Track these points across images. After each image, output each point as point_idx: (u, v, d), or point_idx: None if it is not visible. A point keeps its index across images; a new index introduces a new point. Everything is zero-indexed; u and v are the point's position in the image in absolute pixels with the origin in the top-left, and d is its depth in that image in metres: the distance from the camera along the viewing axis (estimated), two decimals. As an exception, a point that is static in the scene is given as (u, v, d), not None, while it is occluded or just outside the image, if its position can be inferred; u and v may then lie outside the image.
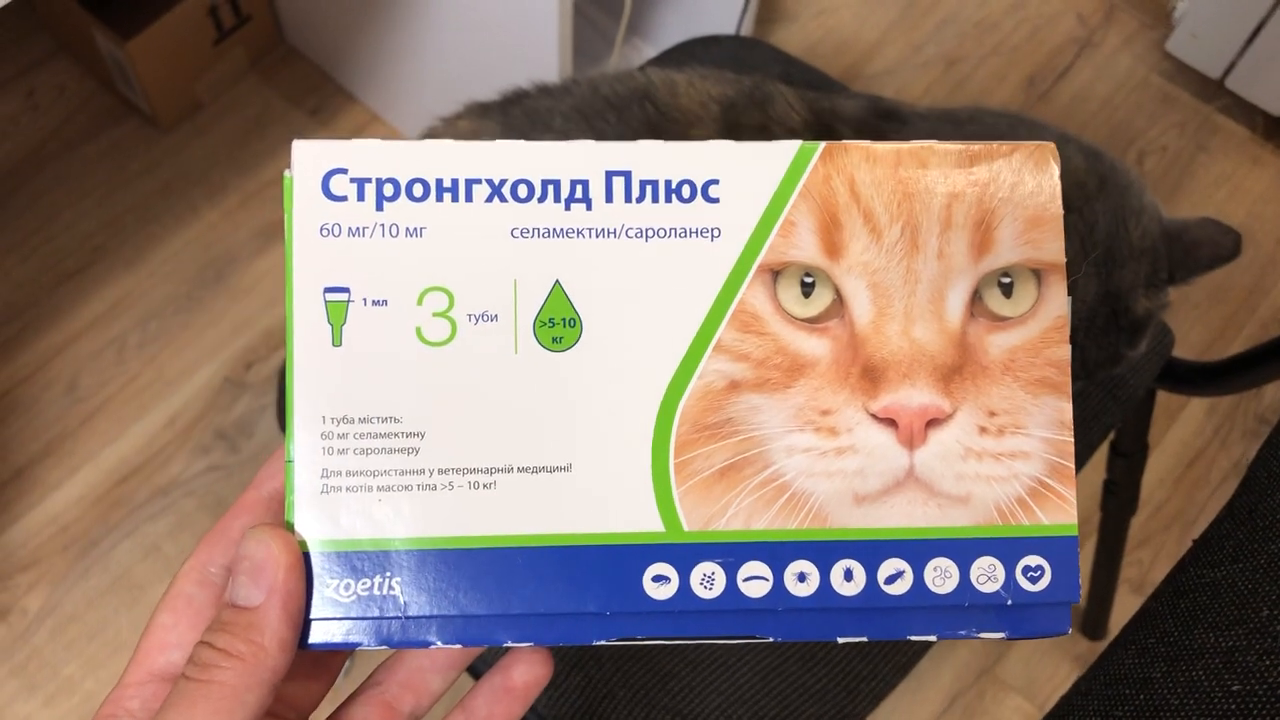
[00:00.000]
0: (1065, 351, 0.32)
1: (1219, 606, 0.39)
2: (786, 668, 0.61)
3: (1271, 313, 1.13)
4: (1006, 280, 0.32)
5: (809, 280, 0.32)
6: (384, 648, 0.31)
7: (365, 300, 0.31)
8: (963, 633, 0.32)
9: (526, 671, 0.33)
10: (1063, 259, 0.33)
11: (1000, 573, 0.32)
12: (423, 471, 0.31)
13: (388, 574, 0.31)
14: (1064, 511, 0.32)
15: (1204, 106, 1.30)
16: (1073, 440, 0.32)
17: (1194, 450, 1.20)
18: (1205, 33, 1.24)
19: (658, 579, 0.31)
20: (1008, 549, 0.32)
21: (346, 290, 0.32)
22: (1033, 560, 0.32)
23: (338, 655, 0.35)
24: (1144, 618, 0.43)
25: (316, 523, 0.31)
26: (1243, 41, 1.00)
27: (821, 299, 0.32)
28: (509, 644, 0.31)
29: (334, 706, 0.34)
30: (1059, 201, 0.33)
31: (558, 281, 0.32)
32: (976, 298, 0.32)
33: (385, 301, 0.32)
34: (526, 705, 0.34)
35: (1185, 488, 1.19)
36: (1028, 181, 0.33)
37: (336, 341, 0.31)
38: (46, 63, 1.40)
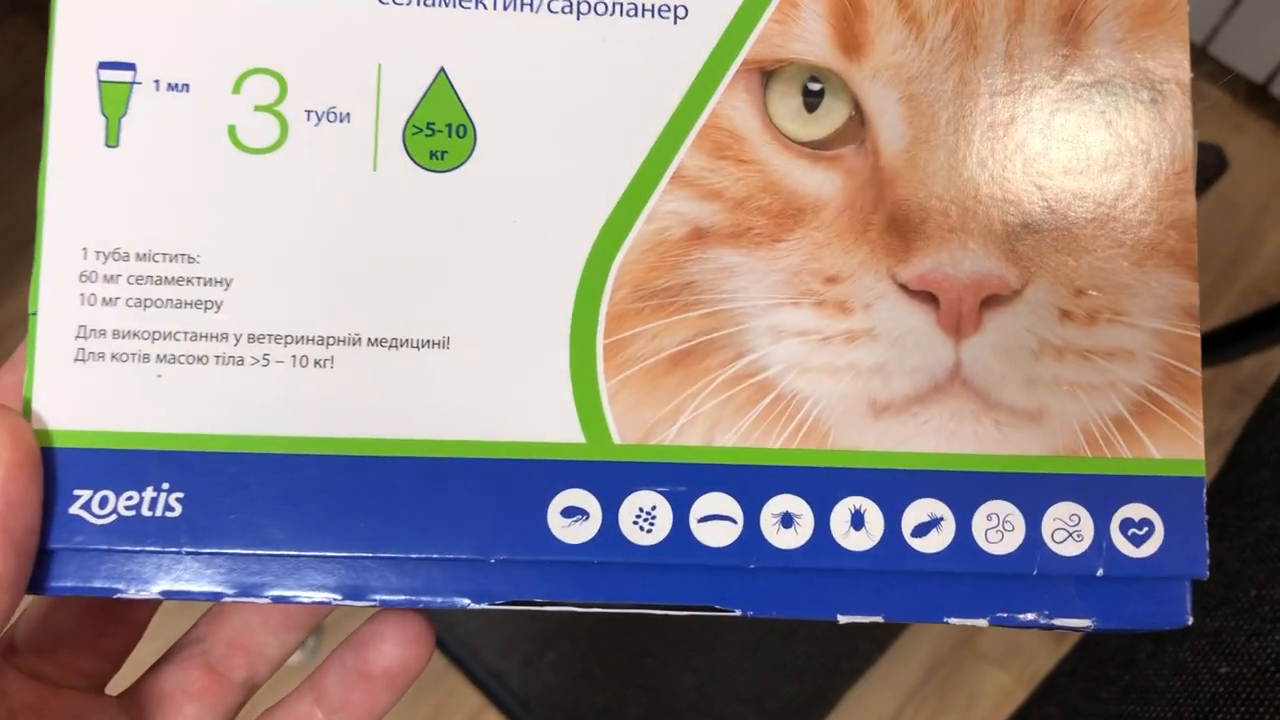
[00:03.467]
0: (1188, 205, 0.21)
1: (1206, 586, 0.35)
2: (766, 645, 0.56)
3: (1251, 282, 1.05)
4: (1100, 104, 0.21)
5: (816, 87, 0.21)
6: (155, 597, 0.20)
7: (157, 83, 0.21)
8: (1029, 618, 0.21)
9: (391, 653, 0.22)
10: (1187, 72, 0.22)
11: (1087, 527, 0.21)
12: (226, 337, 0.20)
13: (165, 486, 0.20)
14: (1185, 440, 0.21)
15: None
16: (1199, 335, 0.21)
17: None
18: (1188, -2, 1.14)
19: (570, 513, 0.20)
20: (1099, 492, 0.21)
21: (131, 67, 0.21)
22: (1136, 510, 0.21)
23: (141, 604, 0.24)
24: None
25: (65, 404, 0.20)
26: (1226, 7, 0.92)
27: (833, 115, 0.21)
28: (334, 603, 0.20)
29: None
30: (1182, -4, 0.22)
31: (443, 70, 0.21)
32: (1060, 123, 0.21)
33: (186, 86, 0.21)
34: (395, 694, 0.23)
35: (1163, 457, 1.08)
36: (1137, -31, 0.22)
37: (112, 141, 0.21)
38: (2, 21, 1.31)
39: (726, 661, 0.55)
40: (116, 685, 0.24)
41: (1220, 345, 0.70)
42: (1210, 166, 0.62)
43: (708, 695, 0.54)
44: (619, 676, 0.55)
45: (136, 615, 0.24)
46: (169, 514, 0.20)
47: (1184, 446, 0.21)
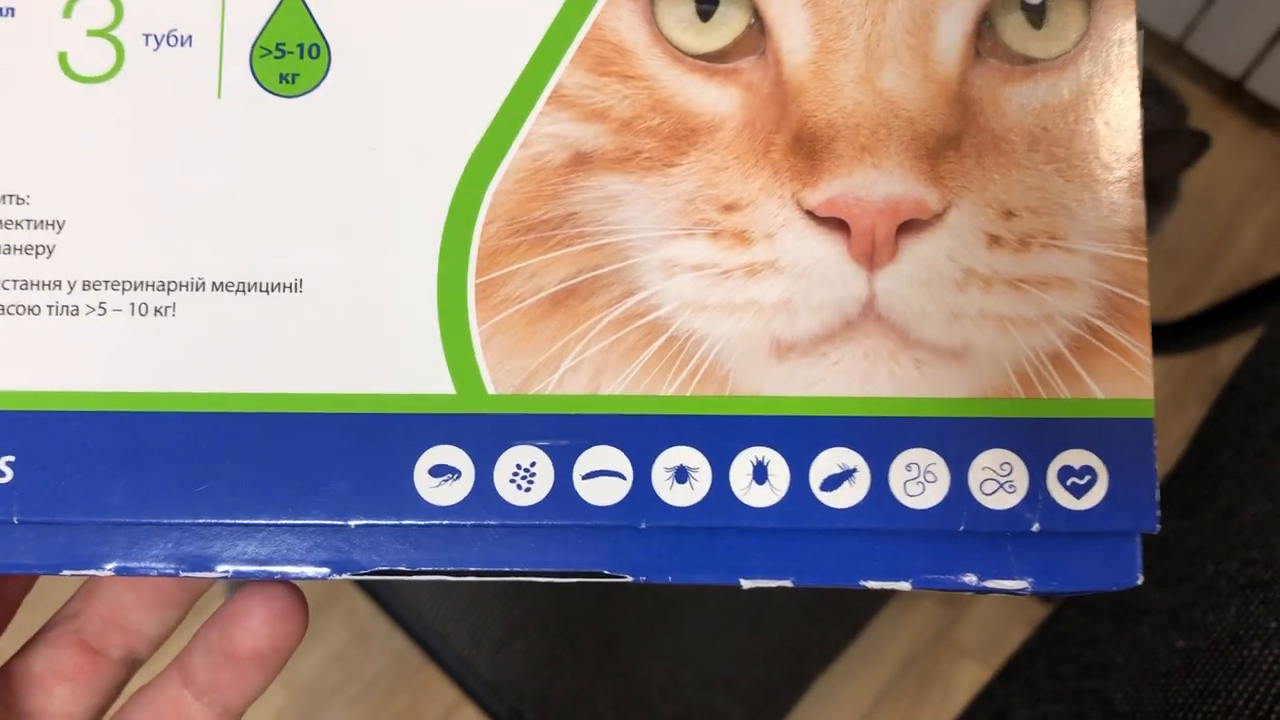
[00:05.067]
0: (1132, 113, 0.19)
1: (1165, 564, 0.37)
2: (735, 628, 0.55)
3: (1228, 276, 1.03)
4: (1035, 0, 0.19)
5: (709, -7, 0.19)
6: (-14, 574, 0.18)
7: (-20, 8, 0.19)
8: (954, 578, 0.18)
9: (258, 632, 0.20)
10: (1130, -34, 0.19)
11: (1021, 477, 0.18)
12: (59, 284, 0.18)
13: (-7, 451, 0.18)
14: (1131, 377, 0.18)
15: (1163, 68, 1.17)
16: (1145, 260, 0.19)
17: (1150, 413, 1.08)
18: (1164, -7, 1.11)
19: (440, 471, 0.18)
20: (1034, 438, 0.18)
21: (-49, -8, 0.19)
22: (1076, 457, 0.18)
23: (11, 580, 0.22)
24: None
25: (-117, 365, 0.18)
26: (1202, 3, 0.90)
27: (730, 23, 0.19)
28: (181, 574, 0.18)
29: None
30: (1125, -115, 0.19)
31: (294, -16, 0.19)
32: (986, 26, 0.19)
33: (11, 10, 0.19)
34: (269, 674, 0.21)
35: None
36: None
37: (-68, 74, 0.19)
38: None
39: (696, 647, 0.54)
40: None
41: (1193, 331, 0.69)
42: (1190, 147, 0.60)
43: (678, 681, 0.53)
44: (589, 663, 0.54)
45: (6, 593, 0.22)
46: (-1, 480, 0.18)
47: (1130, 384, 0.18)
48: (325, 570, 0.18)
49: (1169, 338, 0.70)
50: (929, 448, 0.18)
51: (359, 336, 0.18)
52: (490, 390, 0.18)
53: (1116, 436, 0.18)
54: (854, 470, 0.18)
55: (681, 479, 0.18)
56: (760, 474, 0.18)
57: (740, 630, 0.54)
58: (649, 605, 0.54)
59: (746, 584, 0.18)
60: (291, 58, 0.19)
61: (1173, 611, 0.35)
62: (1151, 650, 0.34)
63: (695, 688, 0.52)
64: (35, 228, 0.18)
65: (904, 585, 0.18)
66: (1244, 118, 0.96)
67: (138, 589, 0.21)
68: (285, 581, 0.20)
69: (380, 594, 0.53)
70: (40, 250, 0.18)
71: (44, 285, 0.18)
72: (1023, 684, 0.40)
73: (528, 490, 0.18)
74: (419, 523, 0.18)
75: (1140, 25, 0.19)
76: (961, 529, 0.18)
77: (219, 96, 0.18)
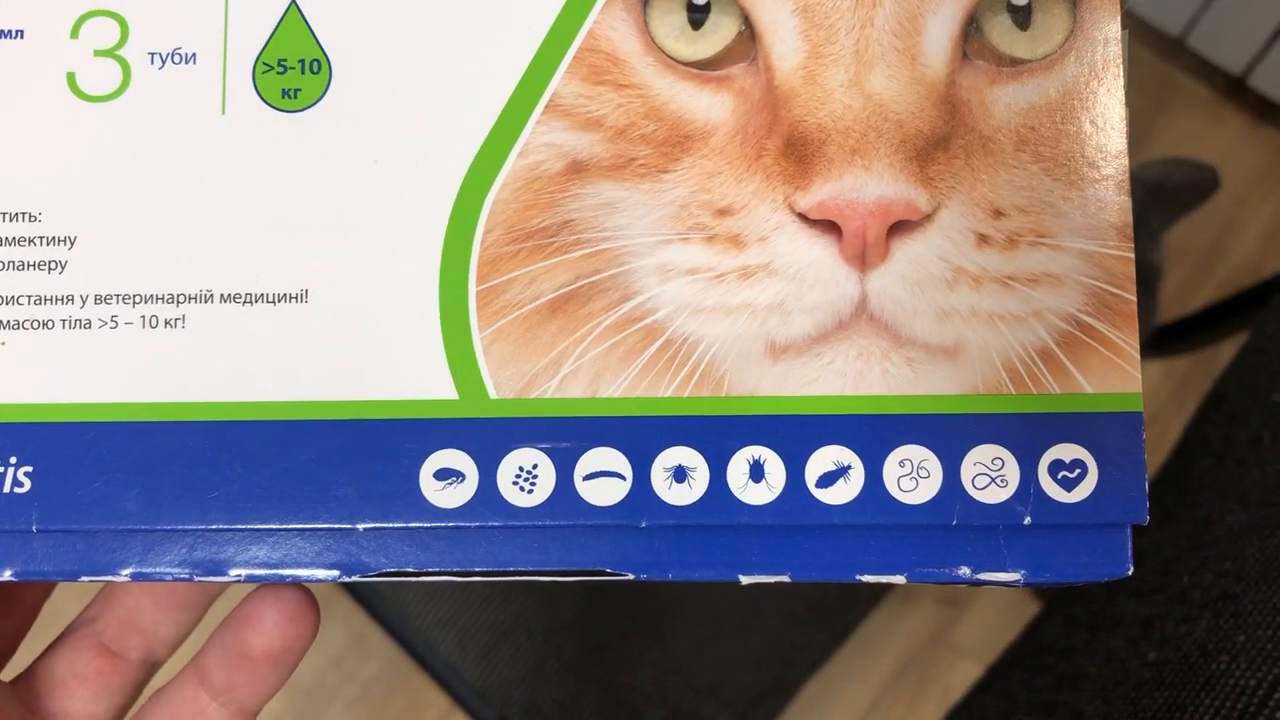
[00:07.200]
0: (1117, 111, 0.19)
1: (1142, 574, 0.36)
2: (722, 637, 0.55)
3: (1229, 273, 1.03)
4: (1021, 2, 0.19)
5: (701, 1, 0.19)
6: (7, 579, 0.19)
7: (-10, 31, 0.19)
8: (948, 571, 0.19)
9: (271, 632, 0.20)
10: (1115, -33, 0.19)
11: (1012, 471, 0.18)
12: (72, 299, 0.19)
13: (13, 461, 0.19)
14: (1119, 371, 0.19)
15: (1164, 65, 1.16)
16: (1132, 255, 0.19)
17: (1150, 413, 1.06)
18: (1167, -11, 1.10)
19: (444, 475, 0.19)
20: (1025, 433, 0.19)
21: (-39, 15, 0.19)
22: (1067, 451, 0.19)
23: (31, 586, 0.23)
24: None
25: (-96, 380, 0.19)
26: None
27: (721, 31, 0.19)
28: (195, 579, 0.19)
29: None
30: (1109, -114, 0.20)
31: (294, 2, 0.19)
32: (973, 29, 0.19)
33: (20, 32, 0.19)
34: (282, 673, 0.21)
35: (1142, 451, 1.06)
36: None
37: (-55, 96, 0.19)
38: None
39: (683, 653, 0.54)
40: (13, 669, 0.23)
41: (1190, 332, 0.69)
42: (1205, 183, 0.59)
43: (664, 687, 0.54)
44: (575, 669, 0.54)
45: (27, 597, 0.23)
46: (17, 490, 0.18)
47: (1118, 378, 0.19)
48: (335, 573, 0.19)
49: (1169, 337, 0.69)
50: (922, 444, 0.18)
51: (364, 344, 0.19)
52: (492, 395, 0.19)
53: (1106, 430, 0.18)
54: (848, 467, 0.18)
55: (680, 478, 0.18)
56: (757, 472, 0.18)
57: (726, 636, 0.54)
58: (635, 612, 0.54)
59: (745, 580, 0.19)
60: (293, 73, 0.19)
61: (1146, 622, 0.35)
62: (1123, 662, 0.34)
63: (681, 694, 0.53)
64: (48, 244, 0.19)
65: (899, 578, 0.19)
66: (1245, 115, 0.95)
67: (154, 592, 0.22)
68: (296, 583, 0.20)
69: (369, 600, 0.53)
70: (53, 266, 0.19)
71: (57, 300, 0.19)
72: (998, 695, 0.40)
73: (530, 492, 0.18)
74: (425, 525, 0.18)
75: (1125, 25, 0.19)
76: (955, 523, 0.18)
77: (223, 112, 0.19)
